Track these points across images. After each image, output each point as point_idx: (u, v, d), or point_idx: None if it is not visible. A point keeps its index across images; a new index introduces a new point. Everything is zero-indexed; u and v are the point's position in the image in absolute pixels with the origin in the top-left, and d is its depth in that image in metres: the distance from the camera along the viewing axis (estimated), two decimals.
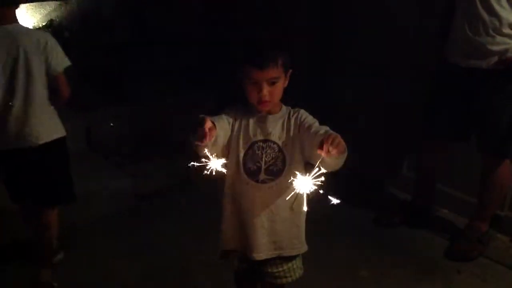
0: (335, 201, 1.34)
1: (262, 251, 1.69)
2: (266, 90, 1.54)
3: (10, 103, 2.28)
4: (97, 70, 4.07)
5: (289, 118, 1.64)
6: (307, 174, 1.34)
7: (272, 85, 1.55)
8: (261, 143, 1.62)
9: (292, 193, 1.36)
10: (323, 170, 1.33)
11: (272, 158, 1.61)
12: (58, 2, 4.45)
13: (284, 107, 1.67)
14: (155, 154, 3.69)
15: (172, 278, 2.55)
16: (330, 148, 1.33)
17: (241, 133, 1.63)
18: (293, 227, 1.70)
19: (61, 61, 2.34)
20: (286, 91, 1.63)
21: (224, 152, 1.63)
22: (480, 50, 2.40)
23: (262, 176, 1.61)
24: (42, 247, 2.54)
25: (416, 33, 3.05)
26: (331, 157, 1.34)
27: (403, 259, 2.67)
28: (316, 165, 1.44)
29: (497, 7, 2.32)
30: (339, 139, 1.36)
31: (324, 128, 1.53)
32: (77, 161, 3.48)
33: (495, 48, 2.36)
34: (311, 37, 3.71)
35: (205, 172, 1.41)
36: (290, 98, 1.69)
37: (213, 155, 1.41)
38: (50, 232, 2.53)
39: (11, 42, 2.24)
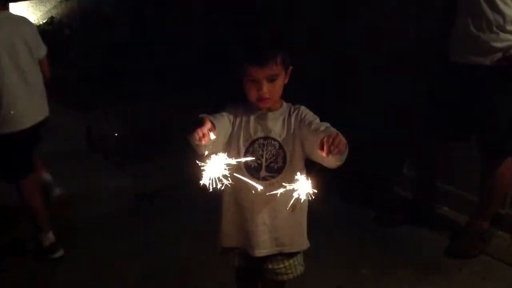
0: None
1: (264, 248, 1.68)
2: (265, 87, 1.53)
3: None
4: (98, 69, 4.07)
5: (289, 115, 1.63)
6: (307, 176, 1.35)
7: (272, 82, 1.54)
8: (261, 140, 1.62)
9: (294, 198, 1.37)
10: (325, 164, 1.33)
11: (273, 155, 1.61)
12: (58, 0, 4.46)
13: (285, 104, 1.67)
14: (155, 154, 3.69)
15: (172, 278, 2.55)
16: (331, 149, 1.32)
17: (242, 131, 1.63)
18: (295, 224, 1.70)
19: (43, 45, 2.69)
20: (287, 88, 1.62)
21: (225, 150, 1.63)
22: (483, 47, 2.40)
23: (263, 173, 1.61)
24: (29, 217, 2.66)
25: (416, 33, 3.05)
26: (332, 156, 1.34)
27: (404, 258, 2.66)
28: (317, 163, 1.44)
29: (500, 4, 2.33)
30: (339, 138, 1.35)
31: (325, 125, 1.52)
32: (77, 161, 3.50)
33: (499, 45, 2.37)
34: (311, 36, 3.71)
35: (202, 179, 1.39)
36: (290, 96, 1.68)
37: (211, 155, 1.39)
38: (26, 201, 2.62)
39: (13, 28, 2.49)
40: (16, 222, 2.71)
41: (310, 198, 1.39)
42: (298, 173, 1.38)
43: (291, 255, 1.75)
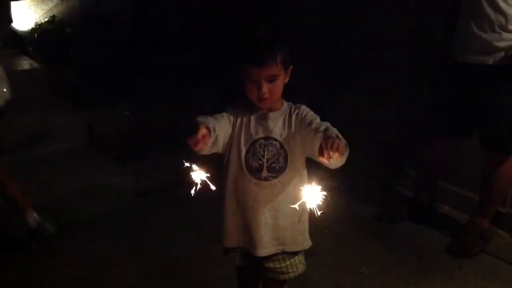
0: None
1: (266, 248, 1.68)
2: (265, 87, 1.53)
3: None
4: (99, 67, 4.08)
5: (290, 115, 1.63)
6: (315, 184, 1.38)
7: (272, 82, 1.54)
8: (262, 141, 1.62)
9: (299, 202, 1.40)
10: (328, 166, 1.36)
11: (274, 155, 1.61)
12: None
13: (285, 104, 1.66)
14: (156, 151, 3.69)
15: (172, 276, 2.55)
16: (331, 153, 1.33)
17: (243, 131, 1.63)
18: (297, 223, 1.69)
19: None
20: (287, 87, 1.62)
21: (225, 150, 1.63)
22: (486, 47, 2.41)
23: (264, 173, 1.61)
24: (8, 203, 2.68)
25: (417, 31, 3.05)
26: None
27: (405, 256, 2.67)
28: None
29: (502, 4, 2.34)
30: (337, 141, 1.35)
31: (325, 124, 1.52)
32: (79, 158, 3.50)
33: (501, 44, 2.37)
34: (312, 35, 3.71)
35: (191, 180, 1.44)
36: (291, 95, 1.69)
37: (199, 168, 1.46)
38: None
39: None
40: (16, 222, 2.70)
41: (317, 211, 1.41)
42: (306, 186, 1.40)
43: (292, 254, 1.75)
